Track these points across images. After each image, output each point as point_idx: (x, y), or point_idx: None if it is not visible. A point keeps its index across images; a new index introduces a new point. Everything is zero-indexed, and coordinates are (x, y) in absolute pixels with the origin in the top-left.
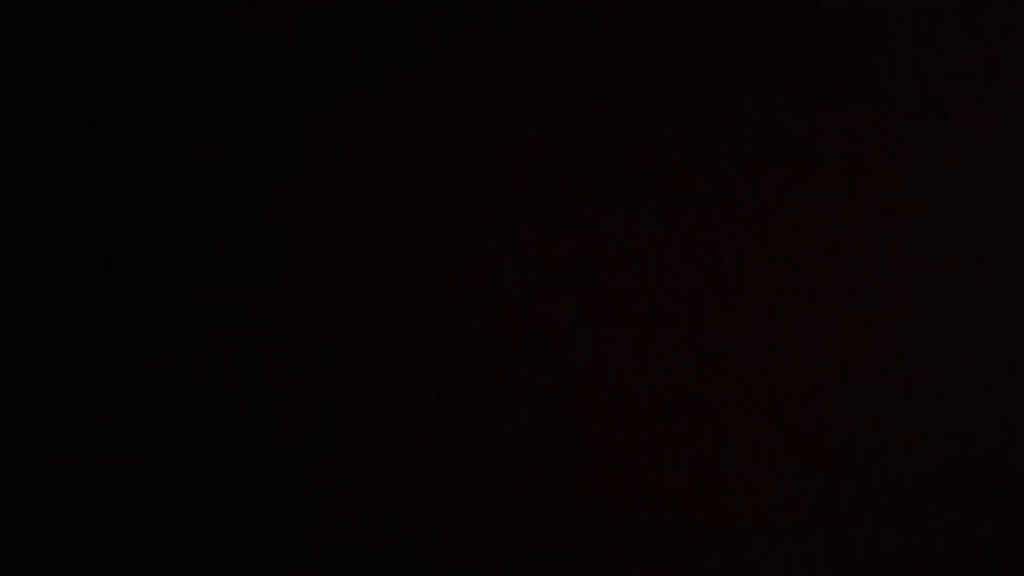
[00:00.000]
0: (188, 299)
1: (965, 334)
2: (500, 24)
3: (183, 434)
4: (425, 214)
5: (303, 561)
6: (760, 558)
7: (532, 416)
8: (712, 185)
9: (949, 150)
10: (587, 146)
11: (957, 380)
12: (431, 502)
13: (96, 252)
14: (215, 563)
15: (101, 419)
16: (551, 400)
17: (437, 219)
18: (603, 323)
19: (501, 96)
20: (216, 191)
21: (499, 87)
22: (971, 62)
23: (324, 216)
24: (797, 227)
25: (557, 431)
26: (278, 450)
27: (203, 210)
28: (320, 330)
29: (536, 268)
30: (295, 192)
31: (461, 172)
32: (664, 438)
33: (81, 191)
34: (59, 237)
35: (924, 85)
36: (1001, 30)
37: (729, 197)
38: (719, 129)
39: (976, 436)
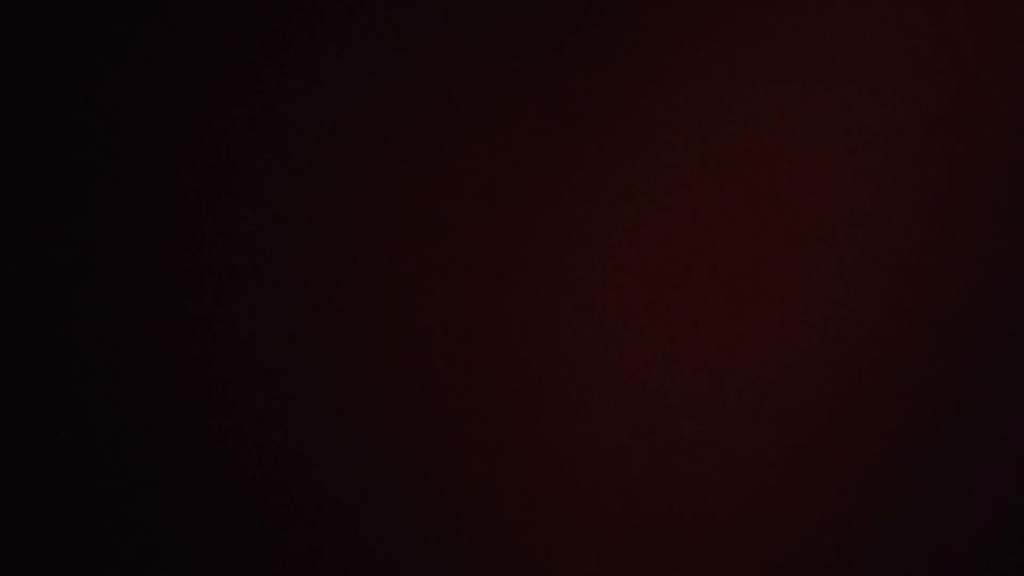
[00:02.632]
0: (178, 297)
1: (961, 332)
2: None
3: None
4: (419, 212)
5: (299, 560)
6: (759, 558)
7: (526, 416)
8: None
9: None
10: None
11: (953, 378)
12: (431, 503)
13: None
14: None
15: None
16: (547, 399)
17: (429, 216)
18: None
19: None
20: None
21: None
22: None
23: (321, 214)
24: (785, 224)
25: (553, 431)
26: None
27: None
28: (318, 328)
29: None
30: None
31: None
32: (659, 437)
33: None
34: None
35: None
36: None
37: (720, 194)
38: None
39: (975, 436)
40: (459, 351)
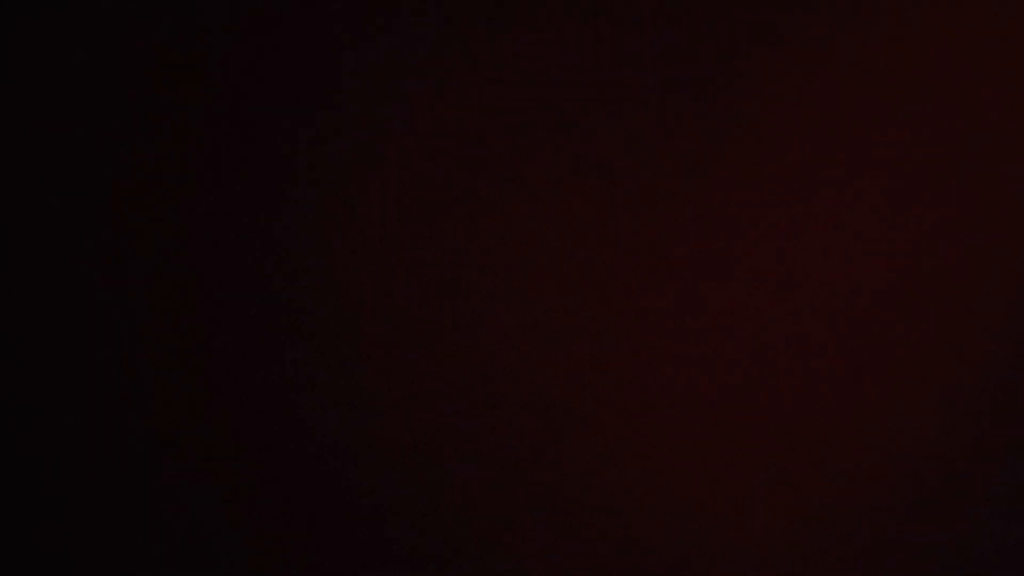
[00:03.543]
0: (175, 296)
1: (964, 332)
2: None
3: (175, 433)
4: (416, 210)
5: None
6: (759, 559)
7: (525, 419)
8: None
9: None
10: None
11: (956, 379)
12: (432, 505)
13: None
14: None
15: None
16: (543, 400)
17: (429, 215)
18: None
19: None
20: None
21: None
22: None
23: (321, 212)
24: (802, 226)
25: (550, 432)
26: (271, 451)
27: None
28: (318, 328)
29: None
30: (290, 185)
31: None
32: (660, 439)
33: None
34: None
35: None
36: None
37: (726, 192)
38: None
39: (976, 436)
40: (478, 351)
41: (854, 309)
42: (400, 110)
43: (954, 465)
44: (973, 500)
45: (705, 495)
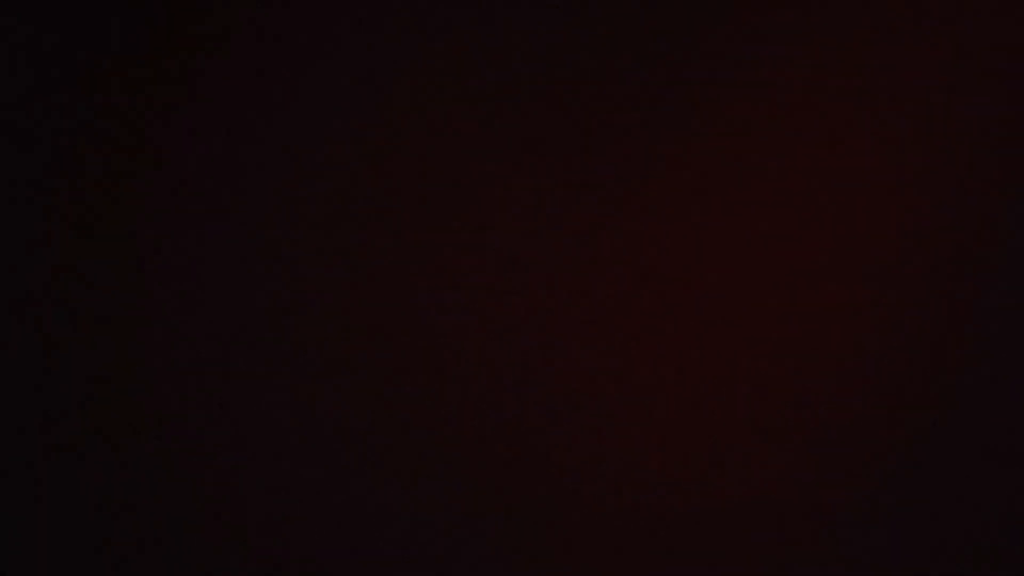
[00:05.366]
0: (177, 300)
1: (959, 331)
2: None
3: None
4: (404, 216)
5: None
6: (755, 557)
7: (520, 418)
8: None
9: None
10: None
11: (952, 375)
12: (428, 505)
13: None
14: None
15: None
16: (539, 401)
17: (417, 221)
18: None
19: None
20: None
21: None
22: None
23: (317, 217)
24: (798, 226)
25: (546, 431)
26: (272, 455)
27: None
28: (313, 331)
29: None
30: (289, 191)
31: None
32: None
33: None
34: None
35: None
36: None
37: (721, 193)
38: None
39: (973, 433)
40: (472, 354)
41: (848, 307)
42: (398, 113)
43: (951, 462)
44: (973, 499)
45: (697, 489)
